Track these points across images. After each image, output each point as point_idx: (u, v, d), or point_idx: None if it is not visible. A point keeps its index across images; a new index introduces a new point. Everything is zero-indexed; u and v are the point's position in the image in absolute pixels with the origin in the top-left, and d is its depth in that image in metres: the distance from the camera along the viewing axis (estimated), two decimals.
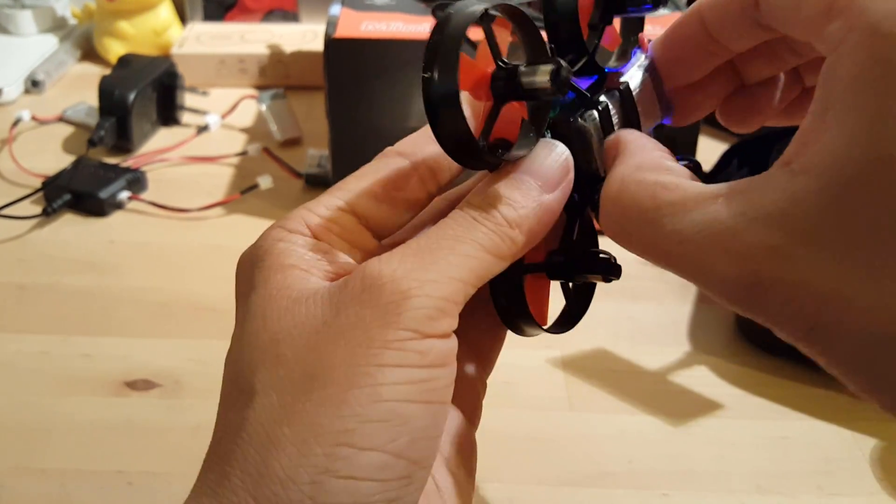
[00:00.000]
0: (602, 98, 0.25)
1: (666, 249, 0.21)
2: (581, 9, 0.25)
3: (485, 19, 0.22)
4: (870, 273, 0.18)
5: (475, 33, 0.21)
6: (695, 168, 0.25)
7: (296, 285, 0.22)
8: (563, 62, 0.21)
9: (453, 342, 0.22)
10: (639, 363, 0.50)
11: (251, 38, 0.86)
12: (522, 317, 0.26)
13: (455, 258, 0.22)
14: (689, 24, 0.25)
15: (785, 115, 0.28)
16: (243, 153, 0.71)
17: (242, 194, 0.64)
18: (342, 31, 0.57)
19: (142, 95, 0.71)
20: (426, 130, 0.24)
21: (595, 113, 0.25)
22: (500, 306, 0.26)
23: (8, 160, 0.69)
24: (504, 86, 0.22)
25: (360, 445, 0.20)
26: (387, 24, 0.58)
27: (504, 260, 0.23)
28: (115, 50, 0.84)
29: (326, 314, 0.21)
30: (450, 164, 0.25)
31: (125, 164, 0.68)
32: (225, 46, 0.84)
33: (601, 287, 0.27)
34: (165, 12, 0.87)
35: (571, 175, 0.24)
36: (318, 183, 0.66)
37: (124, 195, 0.64)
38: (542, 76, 0.22)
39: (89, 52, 0.90)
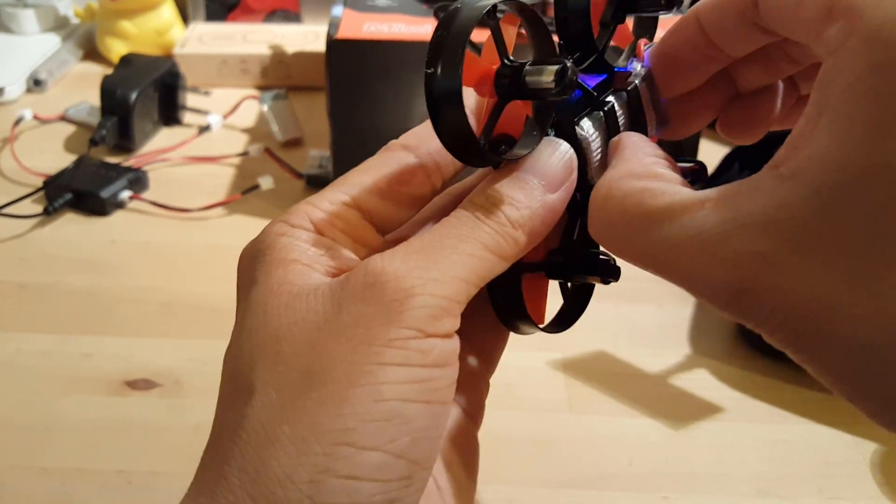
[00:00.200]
0: (609, 98, 0.25)
1: (654, 256, 0.21)
2: (593, 6, 0.25)
3: (492, 15, 0.22)
4: (858, 281, 0.18)
5: (479, 34, 0.21)
6: (700, 170, 0.25)
7: (297, 281, 0.22)
8: (569, 63, 0.21)
9: (455, 342, 0.22)
10: (639, 366, 0.50)
11: (253, 38, 0.86)
12: (519, 315, 0.25)
13: (458, 257, 0.22)
14: (686, 27, 0.25)
15: (777, 122, 0.28)
16: (244, 153, 0.71)
17: (243, 194, 0.64)
18: (344, 32, 0.57)
19: (143, 95, 0.71)
20: (430, 124, 0.24)
21: (601, 113, 0.25)
22: (497, 304, 0.25)
23: (9, 159, 0.69)
24: (508, 84, 0.22)
25: (361, 445, 0.20)
26: (389, 26, 0.58)
27: (506, 260, 0.23)
28: (117, 49, 0.84)
29: (328, 311, 0.21)
30: (454, 159, 0.25)
31: (126, 164, 0.68)
32: (227, 47, 0.84)
33: (602, 289, 0.27)
34: (168, 12, 0.87)
35: (575, 174, 0.24)
36: (319, 183, 0.66)
37: (125, 195, 0.64)
38: (547, 76, 0.21)
39: (91, 52, 0.90)
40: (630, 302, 0.55)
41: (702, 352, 0.51)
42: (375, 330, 0.20)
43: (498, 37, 0.22)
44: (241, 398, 0.21)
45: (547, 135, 0.24)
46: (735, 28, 0.24)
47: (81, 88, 0.82)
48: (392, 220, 0.25)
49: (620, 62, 0.26)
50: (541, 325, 0.26)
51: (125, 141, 0.70)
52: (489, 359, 0.28)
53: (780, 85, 0.27)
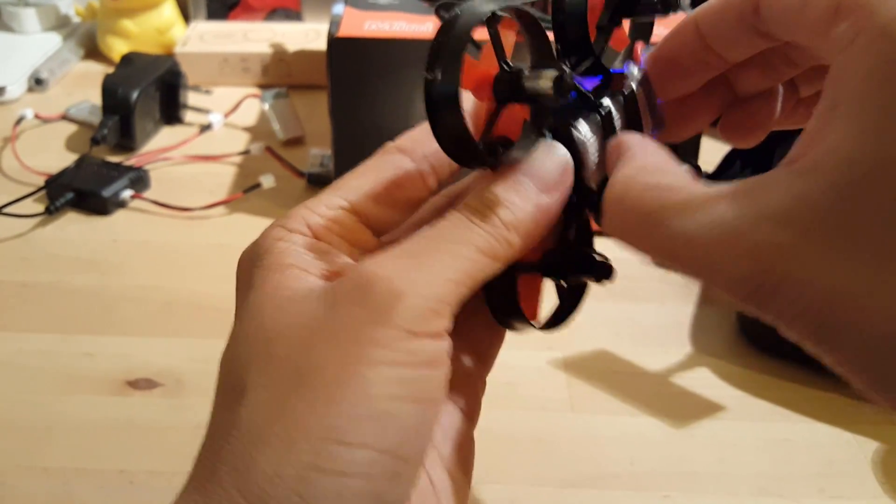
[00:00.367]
0: (605, 101, 0.25)
1: (673, 250, 0.21)
2: (590, 10, 0.25)
3: (492, 21, 0.22)
4: (877, 271, 0.18)
5: (481, 34, 0.21)
6: (697, 170, 0.25)
7: (293, 285, 0.22)
8: (567, 69, 0.21)
9: (446, 342, 0.22)
10: (640, 364, 0.50)
11: (254, 36, 0.86)
12: (513, 313, 0.26)
13: (450, 259, 0.22)
14: (684, 33, 0.25)
15: (778, 124, 0.28)
16: (246, 152, 0.71)
17: (245, 193, 0.64)
18: (345, 31, 0.57)
19: (145, 94, 0.71)
20: (427, 126, 0.24)
21: (597, 116, 0.25)
22: (492, 302, 0.26)
23: (11, 158, 0.69)
24: (507, 89, 0.22)
25: (348, 442, 0.20)
26: (390, 24, 0.58)
27: (500, 261, 0.23)
28: (118, 48, 0.84)
29: (319, 313, 0.21)
30: (451, 161, 0.25)
31: (128, 163, 0.68)
32: (228, 45, 0.84)
33: (603, 288, 0.27)
34: (169, 11, 0.87)
35: (571, 178, 0.24)
36: (320, 182, 0.66)
37: (127, 194, 0.64)
38: (545, 82, 0.22)
39: (93, 51, 0.90)
40: (631, 301, 0.55)
41: (703, 350, 0.51)
42: (364, 330, 0.21)
43: (497, 42, 0.22)
44: (234, 398, 0.21)
45: (543, 137, 0.24)
46: (734, 33, 0.24)
47: (83, 87, 0.82)
48: (388, 223, 0.25)
49: (617, 65, 0.27)
50: (535, 324, 0.26)
51: (126, 140, 0.71)
52: (485, 357, 0.28)
53: (780, 88, 0.27)
